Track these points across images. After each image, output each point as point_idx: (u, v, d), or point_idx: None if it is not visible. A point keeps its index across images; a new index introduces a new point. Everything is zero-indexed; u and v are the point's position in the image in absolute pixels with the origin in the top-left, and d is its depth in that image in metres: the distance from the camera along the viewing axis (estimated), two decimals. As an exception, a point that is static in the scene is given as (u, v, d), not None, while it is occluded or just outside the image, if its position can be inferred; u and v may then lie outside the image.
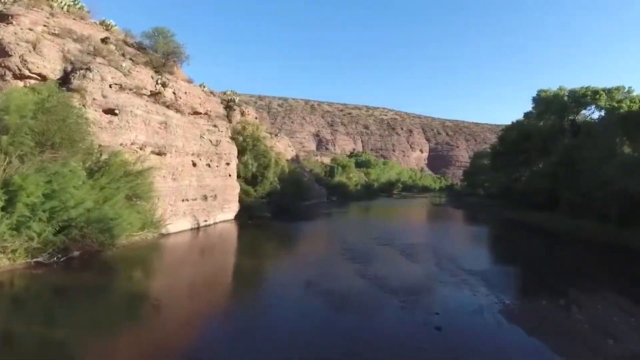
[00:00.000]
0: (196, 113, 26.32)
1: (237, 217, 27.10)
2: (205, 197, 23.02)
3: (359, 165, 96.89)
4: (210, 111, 28.38)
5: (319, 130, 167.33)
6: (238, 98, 40.49)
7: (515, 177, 49.00)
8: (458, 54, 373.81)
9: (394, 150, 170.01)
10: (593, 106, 39.67)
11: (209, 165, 24.84)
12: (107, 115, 17.44)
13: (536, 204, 37.42)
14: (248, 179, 30.72)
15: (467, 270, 12.64)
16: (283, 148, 46.49)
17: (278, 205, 31.95)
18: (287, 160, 46.50)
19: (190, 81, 27.94)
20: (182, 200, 20.82)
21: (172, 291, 10.78)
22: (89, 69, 17.92)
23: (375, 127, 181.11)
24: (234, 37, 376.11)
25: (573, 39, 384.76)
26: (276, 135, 44.94)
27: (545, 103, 42.50)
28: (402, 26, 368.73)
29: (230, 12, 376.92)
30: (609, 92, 38.52)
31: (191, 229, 21.01)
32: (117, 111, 17.74)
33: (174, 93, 24.15)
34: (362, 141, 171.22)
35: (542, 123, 45.49)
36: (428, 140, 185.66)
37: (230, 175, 26.80)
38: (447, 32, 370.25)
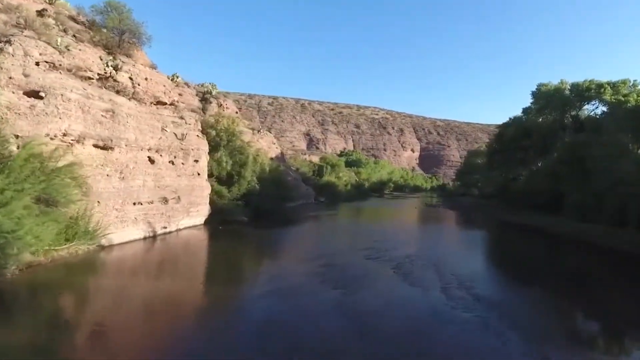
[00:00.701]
0: (160, 103, 22.89)
1: (208, 222, 23.71)
2: (165, 200, 19.60)
3: (349, 164, 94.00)
4: (177, 101, 24.96)
5: (309, 130, 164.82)
6: (216, 90, 37.03)
7: (512, 177, 46.53)
8: (449, 54, 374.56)
9: (385, 150, 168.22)
10: (597, 101, 37.22)
11: (173, 163, 21.42)
12: (28, 99, 13.95)
13: (537, 205, 34.80)
14: (223, 179, 27.32)
15: (483, 298, 9.60)
16: (266, 145, 43.13)
17: (257, 207, 28.64)
18: (271, 158, 43.15)
19: (153, 67, 24.47)
20: (134, 204, 17.37)
21: (72, 340, 7.48)
22: (8, 41, 14.42)
23: (366, 126, 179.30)
24: (224, 35, 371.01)
25: (566, 37, 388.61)
26: (259, 131, 41.52)
27: (546, 97, 39.96)
28: (393, 26, 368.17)
29: (220, 10, 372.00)
30: (614, 85, 36.07)
31: (145, 238, 17.56)
32: (42, 94, 14.25)
33: (130, 78, 20.69)
34: (353, 140, 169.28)
35: (540, 119, 43.03)
36: (419, 139, 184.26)
37: (199, 174, 23.39)
38: (438, 32, 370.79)
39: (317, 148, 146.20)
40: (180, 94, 30.99)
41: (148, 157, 19.17)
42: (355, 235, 24.06)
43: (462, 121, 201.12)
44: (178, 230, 20.49)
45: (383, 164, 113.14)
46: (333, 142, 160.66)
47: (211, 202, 24.79)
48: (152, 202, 18.60)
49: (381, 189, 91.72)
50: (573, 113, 39.02)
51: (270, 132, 45.00)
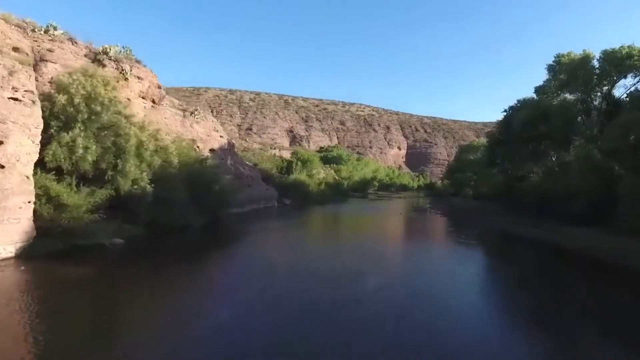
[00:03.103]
0: None
1: (31, 253, 13.17)
2: None
3: (329, 161, 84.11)
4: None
5: (292, 126, 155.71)
6: (120, 52, 26.06)
7: (520, 174, 37.21)
8: (436, 50, 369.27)
9: (371, 147, 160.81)
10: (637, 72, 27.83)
11: None
12: None
13: (562, 212, 25.37)
14: (87, 176, 16.71)
15: None
16: (204, 132, 32.61)
17: (153, 221, 18.26)
18: (212, 150, 32.74)
19: None
20: None
21: None
22: None
23: (351, 123, 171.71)
24: (204, 28, 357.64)
25: (556, 34, 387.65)
26: (192, 113, 30.89)
27: (569, 71, 30.43)
28: (379, 22, 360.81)
29: (198, 3, 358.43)
30: (662, 51, 26.78)
31: None
32: None
33: None
34: (338, 138, 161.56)
35: (555, 101, 33.60)
36: (406, 137, 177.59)
37: (2, 166, 12.81)
38: (425, 28, 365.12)
39: (300, 145, 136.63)
40: (50, 50, 20.60)
41: None
42: (301, 282, 13.26)
43: (449, 119, 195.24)
44: None
45: (367, 161, 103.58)
46: (317, 139, 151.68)
47: (45, 217, 14.23)
48: None
49: (364, 188, 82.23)
50: (605, 89, 29.62)
51: (205, 115, 34.17)
